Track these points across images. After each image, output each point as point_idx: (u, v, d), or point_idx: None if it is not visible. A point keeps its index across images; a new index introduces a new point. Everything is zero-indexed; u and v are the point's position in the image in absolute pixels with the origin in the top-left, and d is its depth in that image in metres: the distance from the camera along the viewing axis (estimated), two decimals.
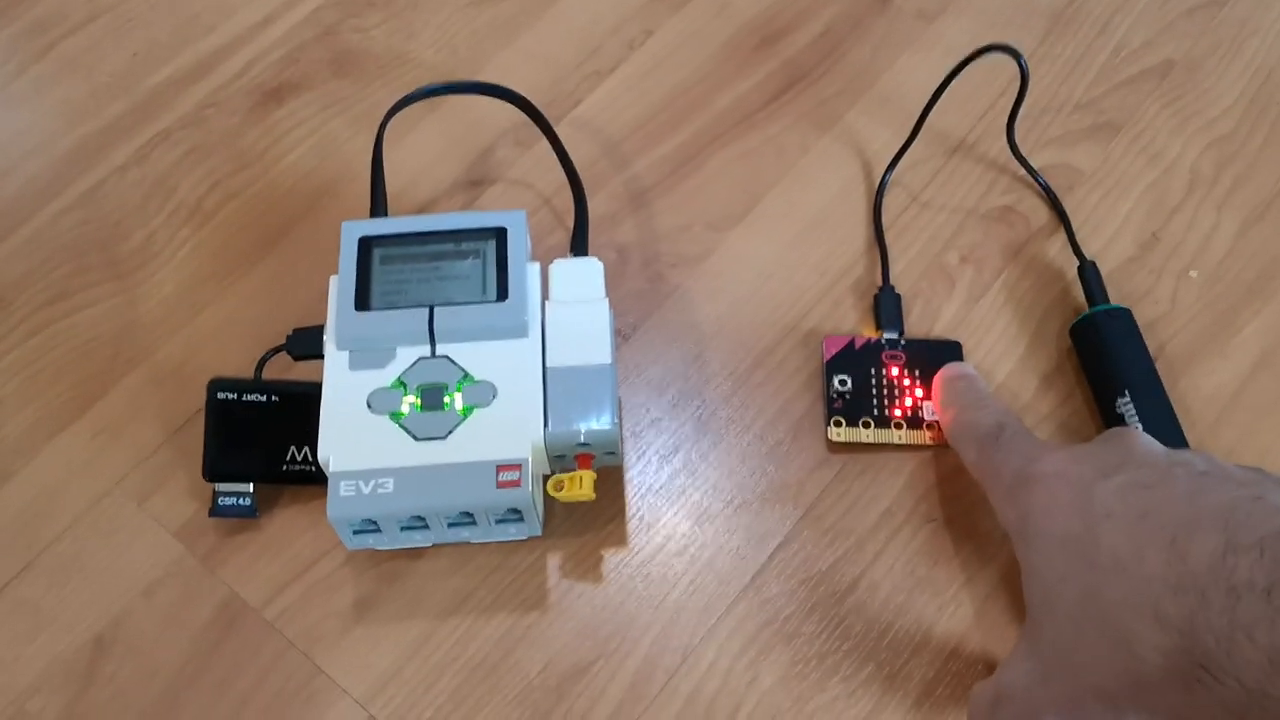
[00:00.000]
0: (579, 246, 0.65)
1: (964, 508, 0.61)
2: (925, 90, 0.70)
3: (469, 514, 0.57)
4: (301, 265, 0.70)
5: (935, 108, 0.70)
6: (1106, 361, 0.62)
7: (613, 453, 0.58)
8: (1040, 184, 0.72)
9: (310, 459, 0.61)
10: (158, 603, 0.60)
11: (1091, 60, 0.78)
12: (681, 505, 0.62)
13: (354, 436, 0.56)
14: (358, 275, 0.60)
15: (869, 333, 0.66)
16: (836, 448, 0.63)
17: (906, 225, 0.71)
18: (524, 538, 0.60)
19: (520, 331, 0.59)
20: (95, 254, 0.72)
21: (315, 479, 0.61)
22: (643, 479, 0.62)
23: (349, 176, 0.74)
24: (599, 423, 0.57)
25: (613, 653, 0.58)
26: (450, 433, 0.57)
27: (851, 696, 0.57)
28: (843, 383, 0.64)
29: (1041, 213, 0.72)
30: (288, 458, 0.61)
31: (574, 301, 0.61)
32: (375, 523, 0.57)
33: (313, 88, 0.78)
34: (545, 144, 0.72)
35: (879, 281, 0.68)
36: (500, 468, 0.56)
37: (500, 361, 0.59)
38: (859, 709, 0.56)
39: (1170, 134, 0.75)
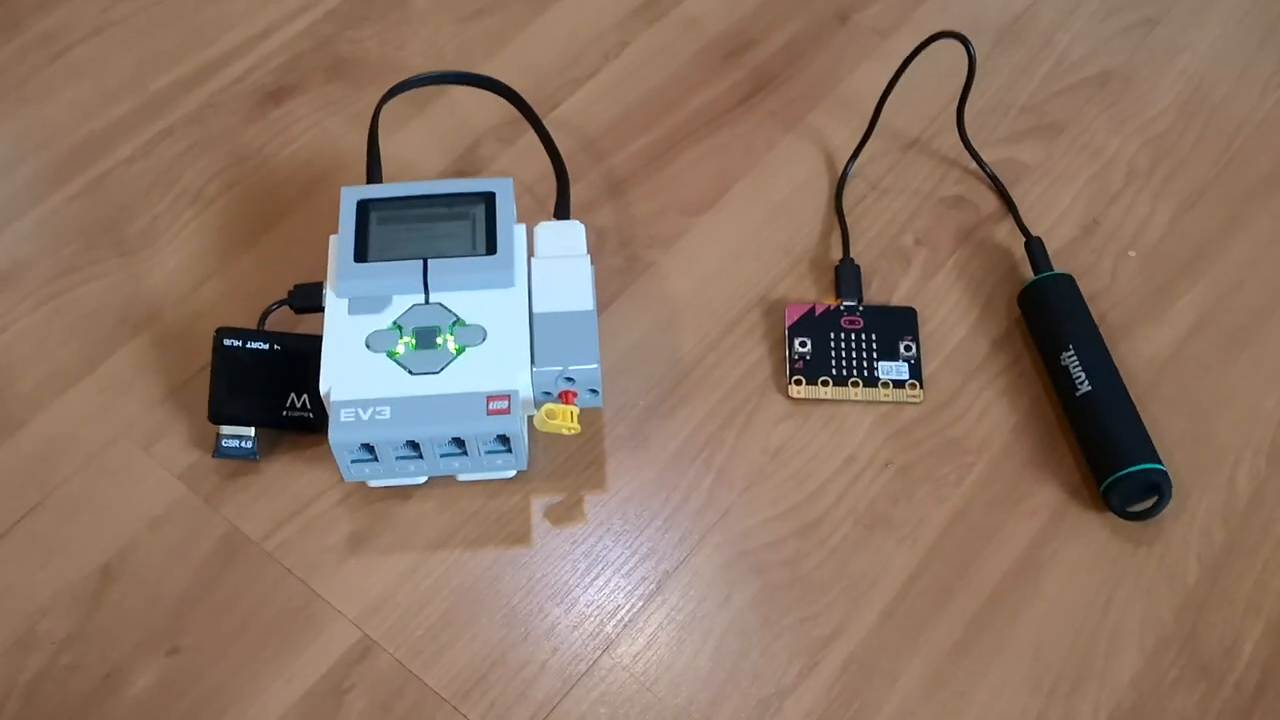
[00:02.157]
0: (562, 212, 0.70)
1: (921, 454, 0.65)
2: (880, 94, 0.76)
3: (461, 442, 0.61)
4: (297, 245, 0.75)
5: (892, 108, 0.77)
6: (1051, 320, 0.67)
7: (595, 390, 0.62)
8: (987, 173, 0.77)
9: (309, 406, 0.65)
10: (162, 536, 0.64)
11: (1035, 70, 0.84)
12: (657, 452, 0.67)
13: (353, 371, 0.61)
14: (356, 232, 0.65)
15: (830, 302, 0.71)
16: (800, 403, 0.67)
17: (865, 210, 0.77)
18: (510, 474, 0.64)
19: (508, 282, 0.64)
20: (102, 235, 0.76)
21: (313, 426, 0.65)
22: (620, 428, 0.67)
23: (343, 167, 0.79)
24: (583, 360, 0.61)
25: (592, 581, 0.62)
26: (443, 368, 0.61)
27: (817, 619, 0.60)
28: (803, 344, 0.69)
29: (990, 200, 0.77)
30: (288, 404, 0.65)
31: (558, 256, 0.66)
32: (372, 450, 0.60)
33: (309, 91, 0.83)
34: (527, 140, 0.77)
35: (838, 259, 0.73)
36: (490, 398, 0.60)
37: (489, 308, 0.63)
38: (823, 629, 0.60)
39: (1109, 133, 0.80)
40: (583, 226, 0.67)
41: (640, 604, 0.61)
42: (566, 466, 0.65)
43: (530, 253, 0.66)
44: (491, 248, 0.64)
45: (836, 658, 0.59)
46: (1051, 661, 0.59)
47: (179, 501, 0.64)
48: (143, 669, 0.59)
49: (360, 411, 0.59)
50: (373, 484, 0.64)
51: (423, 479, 0.64)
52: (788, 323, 0.70)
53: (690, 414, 0.67)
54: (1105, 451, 0.62)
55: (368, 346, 0.62)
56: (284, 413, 0.65)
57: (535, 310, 0.63)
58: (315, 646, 0.60)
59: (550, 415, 0.60)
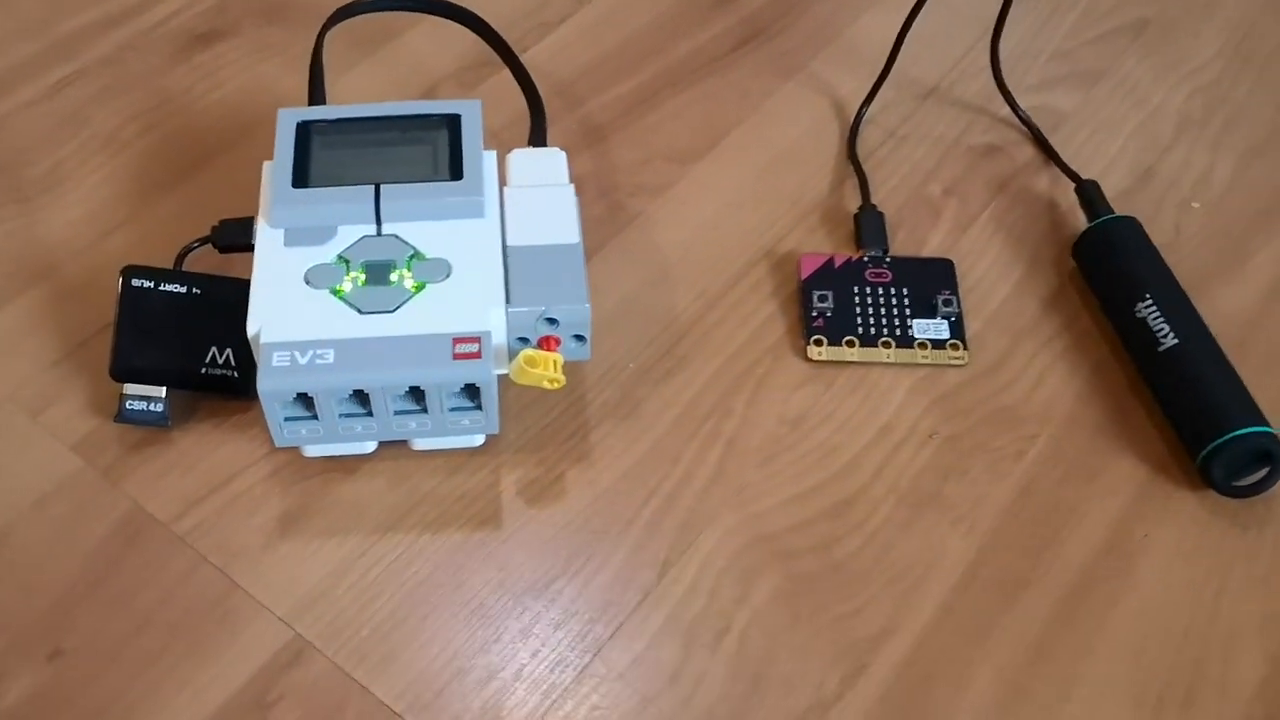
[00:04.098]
0: (537, 138, 0.58)
1: (971, 424, 0.55)
2: (890, 43, 0.68)
3: (420, 395, 0.49)
4: (223, 193, 0.64)
5: (905, 56, 0.68)
6: (1120, 268, 0.57)
7: (582, 337, 0.51)
8: (1022, 119, 0.68)
9: (234, 363, 0.54)
10: (48, 516, 0.52)
11: (1062, 17, 0.76)
12: (653, 421, 0.56)
13: (289, 310, 0.50)
14: (296, 156, 0.54)
15: (851, 254, 0.60)
16: (821, 366, 0.56)
17: (883, 160, 0.66)
18: (478, 440, 0.53)
19: (476, 211, 0.53)
20: None
21: (237, 387, 0.54)
22: (607, 393, 0.56)
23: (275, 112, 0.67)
24: (570, 299, 0.50)
25: (578, 570, 0.51)
26: (399, 307, 0.50)
27: (859, 615, 0.49)
28: (822, 299, 0.58)
29: (1025, 149, 0.68)
30: (208, 360, 0.54)
31: (536, 185, 0.54)
32: (311, 405, 0.49)
33: (242, 34, 0.73)
34: (491, 84, 0.69)
35: (853, 209, 0.63)
36: (457, 340, 0.49)
37: (454, 241, 0.52)
38: (868, 627, 0.49)
39: (1152, 81, 0.72)
40: (563, 154, 0.56)
41: (638, 599, 0.49)
42: (543, 437, 0.54)
43: (503, 183, 0.54)
44: (457, 173, 0.53)
45: (888, 662, 0.48)
46: (1156, 667, 0.48)
47: (72, 476, 0.52)
48: (16, 677, 0.48)
49: (297, 355, 0.48)
50: (309, 453, 0.52)
51: (371, 446, 0.53)
52: (802, 275, 0.59)
53: (690, 378, 0.56)
54: (1201, 415, 0.52)
55: (307, 282, 0.50)
56: (202, 370, 0.54)
57: (510, 243, 0.52)
58: (235, 649, 0.48)
59: (530, 363, 0.49)
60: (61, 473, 0.53)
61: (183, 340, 0.54)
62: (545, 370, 0.50)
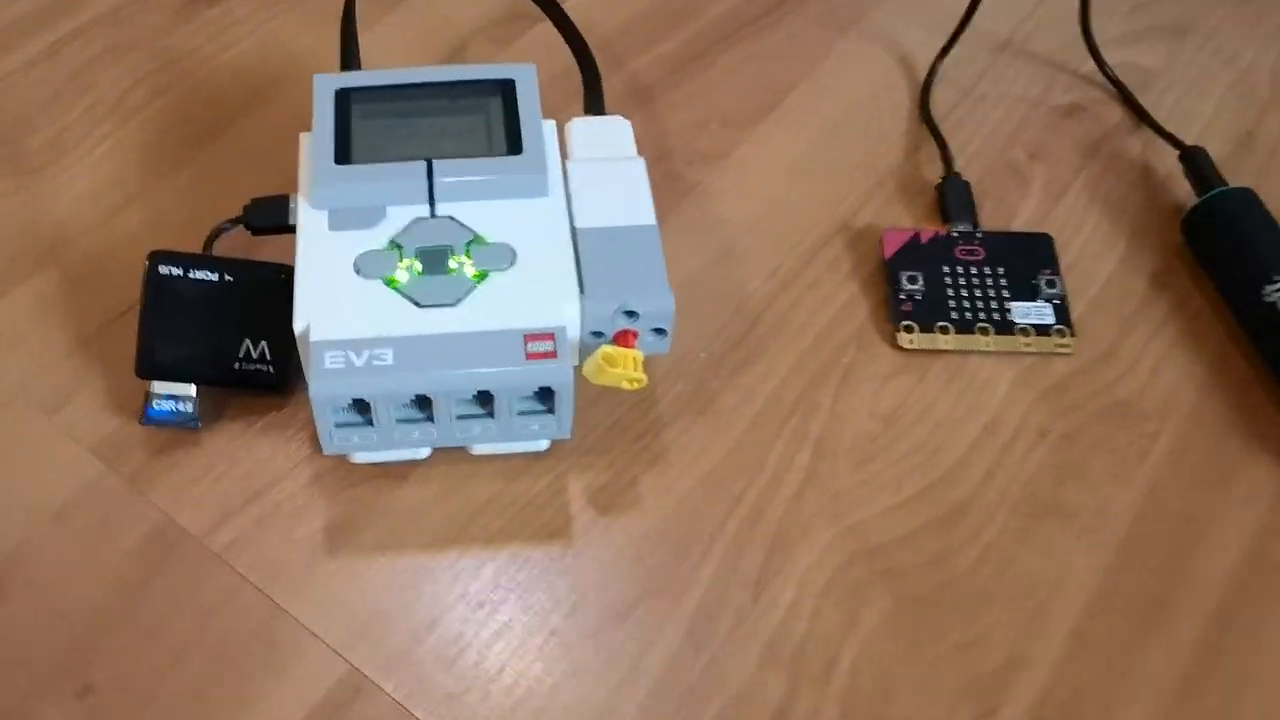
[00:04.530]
0: (594, 107, 0.53)
1: (1085, 420, 0.49)
2: None
3: (486, 399, 0.44)
4: (241, 166, 0.59)
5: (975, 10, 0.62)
6: (1241, 246, 0.52)
7: (663, 330, 0.46)
8: (1109, 77, 0.62)
9: (268, 357, 0.48)
10: (70, 530, 0.47)
11: None
12: (732, 418, 0.51)
13: (339, 303, 0.44)
14: (336, 128, 0.48)
15: (937, 228, 0.55)
16: (912, 354, 0.51)
17: (960, 122, 0.61)
18: (544, 445, 0.48)
19: (539, 189, 0.47)
20: None
21: (274, 384, 0.49)
22: (679, 386, 0.51)
23: (300, 72, 0.63)
24: (651, 289, 0.45)
25: (662, 590, 0.45)
26: (461, 299, 0.44)
27: (982, 644, 0.44)
28: (912, 280, 0.53)
29: (1112, 110, 0.62)
30: (241, 354, 0.48)
31: (602, 159, 0.49)
32: (366, 410, 0.43)
33: None
34: (528, 39, 0.64)
35: (935, 178, 0.58)
36: (529, 336, 0.43)
37: (516, 223, 0.47)
38: (993, 658, 0.43)
39: (1242, 38, 0.66)
40: (628, 123, 0.51)
41: (731, 624, 0.45)
42: (612, 436, 0.49)
43: (563, 156, 0.48)
44: (515, 146, 0.47)
45: (1021, 700, 0.43)
46: None
47: (93, 484, 0.47)
48: (42, 717, 0.41)
49: (352, 355, 0.42)
50: (357, 459, 0.46)
51: (425, 452, 0.47)
52: (886, 253, 0.53)
53: (769, 368, 0.51)
54: None
55: (357, 271, 0.45)
56: (236, 365, 0.48)
57: (579, 225, 0.46)
58: (284, 686, 0.43)
59: (609, 362, 0.43)
60: (82, 479, 0.48)
61: (215, 333, 0.49)
62: (625, 369, 0.44)
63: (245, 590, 0.45)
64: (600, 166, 0.49)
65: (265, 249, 0.50)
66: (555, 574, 0.46)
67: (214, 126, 0.60)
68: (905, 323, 0.52)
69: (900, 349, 0.52)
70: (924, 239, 0.55)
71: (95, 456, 0.48)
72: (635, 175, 0.49)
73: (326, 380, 0.42)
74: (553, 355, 0.43)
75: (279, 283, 0.49)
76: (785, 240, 0.56)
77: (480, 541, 0.47)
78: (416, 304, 0.45)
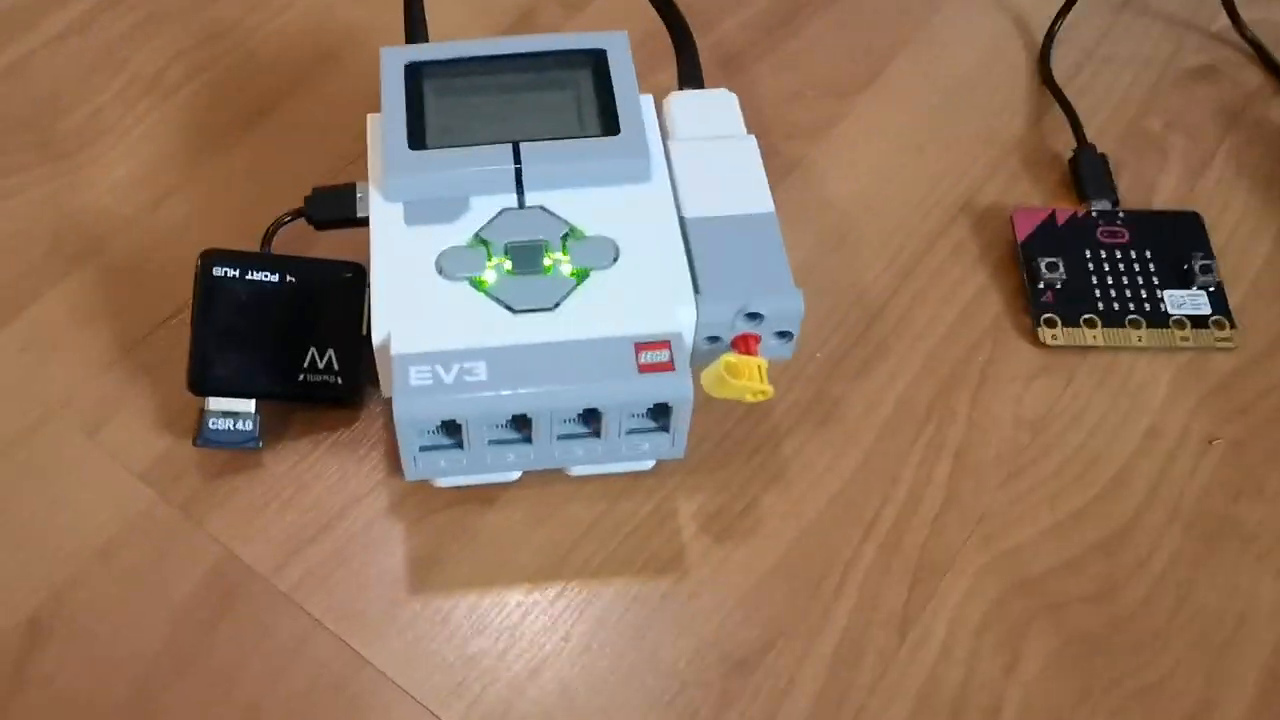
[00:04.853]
0: (691, 78, 0.46)
1: (1257, 424, 0.43)
2: None
3: (593, 416, 0.38)
4: (294, 148, 0.53)
5: None
6: None
7: (788, 334, 0.40)
8: (1245, 36, 0.55)
9: (336, 366, 0.43)
10: (119, 569, 0.41)
11: None
12: (857, 427, 0.46)
13: (422, 309, 0.38)
14: (409, 108, 0.41)
15: (1073, 207, 0.49)
16: (1056, 352, 0.45)
17: (1085, 87, 0.55)
18: (648, 465, 0.42)
19: (640, 174, 0.41)
20: (23, 133, 0.54)
21: (342, 396, 0.44)
22: (796, 392, 0.45)
23: (354, 43, 0.57)
24: (776, 287, 0.38)
25: (794, 631, 0.39)
26: (559, 303, 0.38)
27: (1166, 688, 0.38)
28: (1051, 267, 0.46)
29: (1250, 73, 0.56)
30: (306, 364, 0.42)
31: (708, 138, 0.42)
32: (454, 432, 0.37)
33: None
34: (598, 5, 0.58)
35: (1063, 150, 0.52)
36: (640, 345, 0.37)
37: (617, 213, 0.41)
38: (1180, 706, 0.37)
39: None
40: (734, 96, 0.44)
41: (878, 671, 0.39)
42: (724, 451, 0.43)
43: (663, 135, 0.42)
44: (611, 125, 0.41)
45: None
46: None
47: (143, 515, 0.41)
48: None
49: (440, 370, 0.36)
50: (442, 482, 0.40)
51: (516, 474, 0.41)
52: (1019, 236, 0.47)
53: (896, 370, 0.45)
54: None
55: (440, 271, 0.39)
56: (301, 376, 0.43)
57: (687, 215, 0.40)
58: None
59: (733, 372, 0.38)
60: (131, 509, 0.42)
61: (276, 341, 0.43)
62: (750, 381, 0.38)
63: (320, 636, 0.40)
64: (706, 147, 0.43)
65: (322, 243, 0.44)
66: (668, 614, 0.40)
67: (262, 106, 0.54)
68: (1046, 316, 0.46)
69: (1042, 345, 0.46)
70: (1060, 220, 0.49)
71: (144, 483, 0.43)
72: (747, 156, 0.43)
73: (413, 400, 0.37)
74: (668, 367, 0.37)
75: (346, 282, 0.43)
76: (902, 223, 0.50)
77: (582, 575, 0.41)
78: (509, 309, 0.39)
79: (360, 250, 0.42)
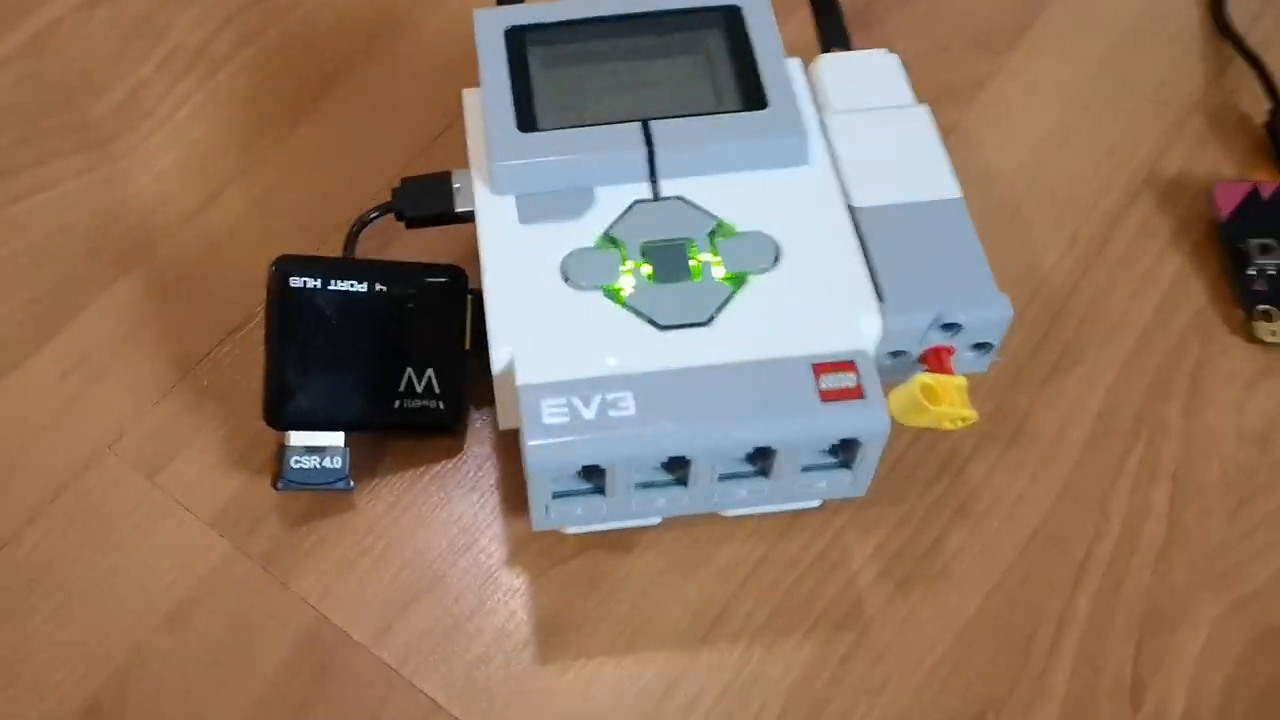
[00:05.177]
0: (837, 37, 0.38)
1: None
2: None
3: (760, 455, 0.30)
4: (364, 126, 0.46)
5: None
6: None
7: (988, 346, 0.32)
8: None
9: (436, 388, 0.35)
10: (192, 640, 0.35)
11: None
12: (1054, 448, 0.39)
13: (549, 327, 0.31)
14: (513, 82, 0.33)
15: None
16: (1276, 352, 0.37)
17: (1268, 36, 0.46)
18: (817, 503, 0.34)
19: (796, 155, 0.34)
20: (52, 116, 0.47)
21: (445, 422, 0.37)
22: (978, 409, 0.37)
23: (423, 9, 0.48)
24: (976, 292, 0.31)
25: (1002, 701, 0.32)
26: (714, 316, 0.31)
27: None
28: (1264, 250, 0.39)
29: None
30: (403, 388, 0.35)
31: (870, 109, 0.35)
32: (598, 475, 0.30)
33: None
34: None
35: (1253, 111, 0.45)
36: (820, 368, 0.30)
37: (771, 203, 0.34)
38: None
39: None
40: (895, 57, 0.37)
41: None
42: (898, 479, 0.36)
43: (817, 107, 0.35)
44: (755, 97, 0.34)
45: None
46: None
47: (217, 572, 0.35)
48: None
49: (578, 405, 0.29)
50: (569, 529, 0.33)
51: (658, 518, 0.33)
52: (1221, 214, 0.40)
53: (1090, 375, 0.38)
54: None
55: (566, 279, 0.31)
56: (396, 403, 0.36)
57: (857, 204, 0.33)
58: None
59: (930, 396, 0.31)
60: (202, 565, 0.35)
61: (368, 362, 0.35)
62: (950, 406, 0.31)
63: None
64: (871, 120, 0.36)
65: (400, 243, 0.37)
66: (851, 683, 0.34)
67: (324, 79, 0.47)
68: (1262, 307, 0.39)
69: (1259, 342, 0.39)
70: (1265, 194, 0.41)
71: (216, 532, 0.36)
72: (920, 129, 0.36)
73: (548, 442, 0.29)
74: (856, 393, 0.30)
75: (444, 289, 0.36)
76: (1077, 198, 0.43)
77: (744, 636, 0.34)
78: (654, 324, 0.32)
79: (450, 248, 0.37)
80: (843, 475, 0.33)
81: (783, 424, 0.31)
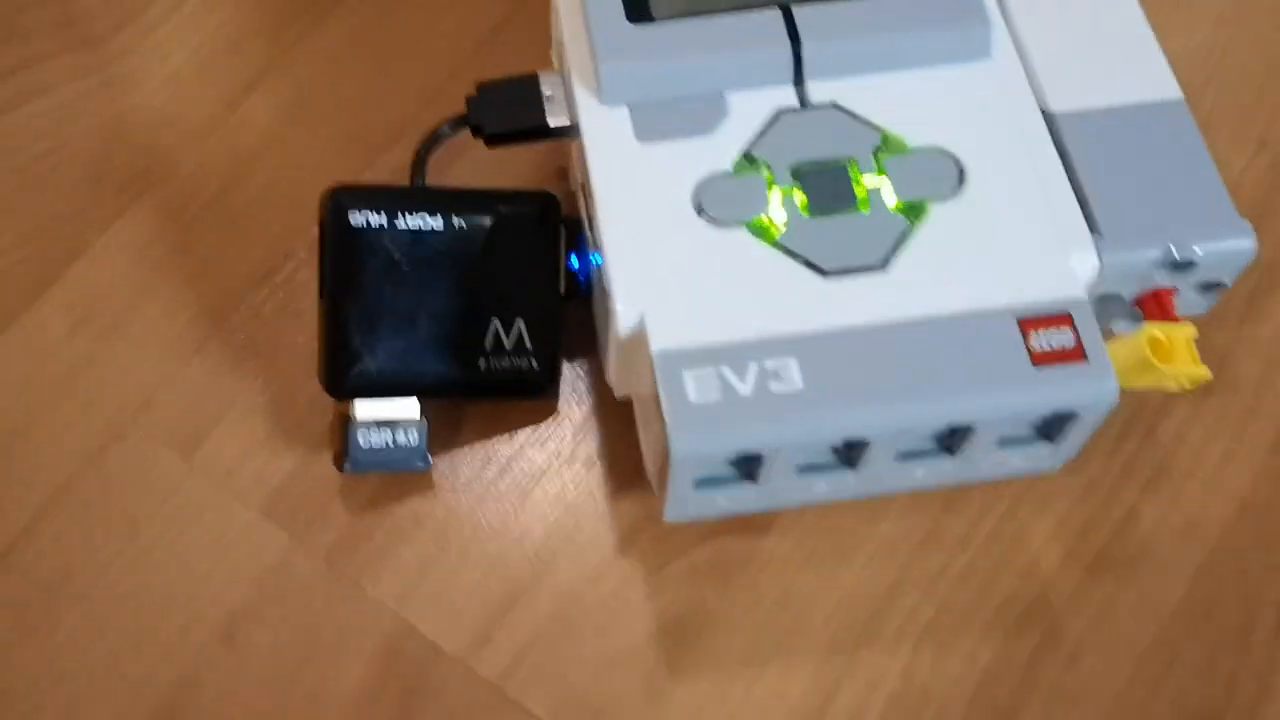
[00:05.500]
0: None
1: None
2: None
3: (957, 432, 0.23)
4: (418, 17, 0.38)
5: None
6: None
7: (1218, 286, 0.25)
8: None
9: (528, 343, 0.29)
10: (251, 653, 0.29)
11: None
12: (1262, 395, 0.32)
13: (684, 275, 0.25)
14: None
15: None
16: None
17: None
18: (1010, 476, 0.28)
19: (977, 48, 0.28)
20: (36, 9, 0.39)
21: (539, 384, 0.31)
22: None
23: None
24: (1215, 216, 0.24)
25: (1226, 709, 0.27)
26: (891, 258, 0.24)
27: None
28: None
29: None
30: (489, 344, 0.29)
31: None
32: (752, 461, 0.23)
33: None
34: None
35: None
36: (1027, 323, 0.23)
37: (948, 110, 0.27)
38: None
39: None
40: None
41: None
42: (1096, 442, 0.29)
43: None
44: None
45: None
46: None
47: (276, 572, 0.29)
48: None
49: (730, 376, 0.24)
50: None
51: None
52: None
53: None
54: None
55: (700, 212, 0.25)
56: (481, 362, 0.30)
57: (1054, 108, 0.27)
58: None
59: (1161, 353, 0.24)
60: (258, 564, 0.29)
61: (446, 314, 0.28)
62: (1182, 364, 0.24)
63: None
64: (1066, 6, 0.28)
65: (461, 164, 0.30)
66: (1043, 689, 0.28)
67: None
68: None
69: None
70: None
71: (272, 522, 0.29)
72: (1123, 13, 0.28)
73: (697, 425, 0.23)
74: (1076, 355, 0.24)
75: (534, 222, 0.29)
76: (1268, 90, 0.35)
77: (910, 636, 0.28)
78: (816, 269, 0.25)
79: (536, 170, 0.31)
80: (1041, 449, 0.27)
81: (988, 399, 0.24)
